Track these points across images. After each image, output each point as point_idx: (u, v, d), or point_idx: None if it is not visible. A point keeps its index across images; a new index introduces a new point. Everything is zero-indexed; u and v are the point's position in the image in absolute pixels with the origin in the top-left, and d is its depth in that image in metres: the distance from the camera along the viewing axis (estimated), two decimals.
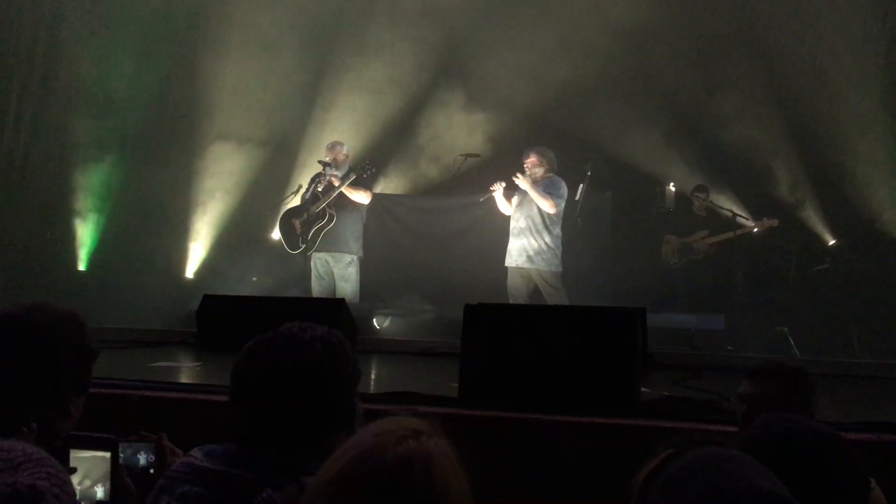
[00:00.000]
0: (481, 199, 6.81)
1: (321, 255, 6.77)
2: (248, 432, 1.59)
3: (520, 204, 6.64)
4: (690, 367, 4.60)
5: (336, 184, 6.66)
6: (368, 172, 6.77)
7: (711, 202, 7.54)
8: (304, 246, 6.70)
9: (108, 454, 1.80)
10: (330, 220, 6.64)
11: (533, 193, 6.51)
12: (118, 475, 1.80)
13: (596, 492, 2.77)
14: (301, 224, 6.72)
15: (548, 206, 6.49)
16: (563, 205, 6.61)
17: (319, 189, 6.73)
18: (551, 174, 6.66)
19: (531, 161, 6.63)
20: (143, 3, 8.40)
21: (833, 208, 7.63)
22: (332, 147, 6.93)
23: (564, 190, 6.62)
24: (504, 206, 6.74)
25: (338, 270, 6.77)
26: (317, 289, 6.84)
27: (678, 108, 7.82)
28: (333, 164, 6.81)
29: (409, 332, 6.71)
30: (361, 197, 6.76)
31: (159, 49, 8.40)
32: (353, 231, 6.81)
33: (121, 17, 8.36)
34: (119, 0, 8.44)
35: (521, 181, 6.53)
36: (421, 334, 6.52)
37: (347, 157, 6.94)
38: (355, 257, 6.81)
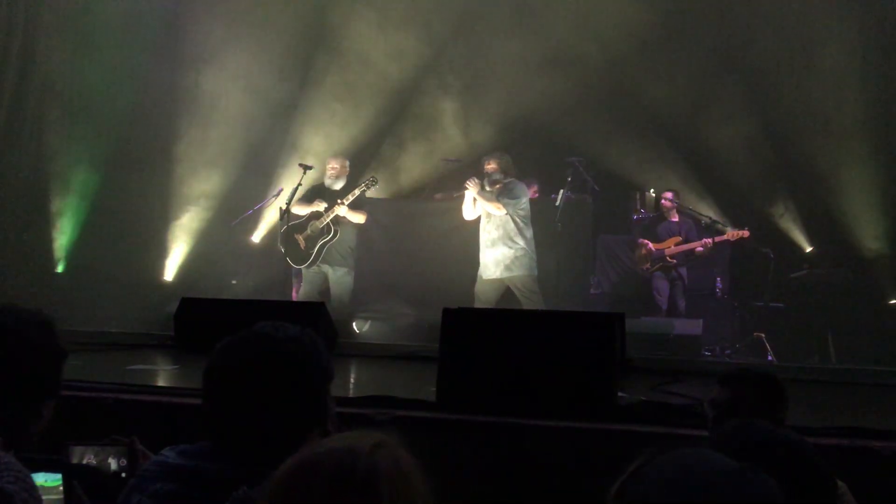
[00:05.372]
0: (455, 195, 6.84)
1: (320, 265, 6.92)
2: (221, 431, 1.58)
3: (489, 214, 6.64)
4: (668, 373, 4.63)
5: (345, 203, 6.73)
6: (372, 187, 6.89)
7: (683, 206, 7.54)
8: (310, 261, 6.86)
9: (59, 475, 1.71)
10: (334, 235, 6.82)
11: (480, 199, 6.59)
12: (73, 495, 1.74)
13: (574, 496, 2.78)
14: (305, 239, 6.87)
15: (494, 209, 6.56)
16: (521, 205, 6.60)
17: (322, 208, 6.80)
18: (510, 179, 6.68)
19: (490, 167, 6.66)
20: (117, 7, 8.32)
21: (811, 216, 7.71)
22: (335, 157, 7.06)
23: (521, 192, 6.64)
24: (469, 209, 6.74)
25: (334, 278, 6.92)
26: (305, 291, 6.94)
27: (660, 116, 7.85)
28: (334, 176, 6.90)
29: (388, 336, 6.71)
30: (359, 218, 6.90)
31: (135, 52, 8.31)
32: (351, 244, 6.99)
33: (96, 21, 8.26)
34: (93, 4, 8.34)
35: (470, 189, 6.58)
36: (400, 338, 6.52)
37: (348, 171, 7.04)
38: (352, 269, 6.99)
